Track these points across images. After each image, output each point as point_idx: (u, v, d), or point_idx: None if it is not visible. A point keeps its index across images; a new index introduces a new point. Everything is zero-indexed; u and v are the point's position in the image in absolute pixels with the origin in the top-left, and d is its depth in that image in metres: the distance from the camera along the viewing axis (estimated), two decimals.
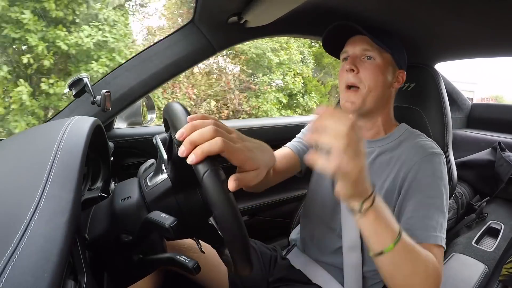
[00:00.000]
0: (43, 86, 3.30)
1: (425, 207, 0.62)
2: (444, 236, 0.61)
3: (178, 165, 0.49)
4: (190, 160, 0.36)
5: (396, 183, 0.67)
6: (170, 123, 0.45)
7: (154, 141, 0.56)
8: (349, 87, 0.70)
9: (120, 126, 1.07)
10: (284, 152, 0.82)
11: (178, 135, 0.38)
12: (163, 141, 0.55)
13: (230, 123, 1.30)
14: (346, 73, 0.69)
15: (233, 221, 0.37)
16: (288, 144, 0.87)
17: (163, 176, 0.52)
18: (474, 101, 2.03)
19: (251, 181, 0.42)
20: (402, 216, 0.65)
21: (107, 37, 3.56)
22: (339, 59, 0.77)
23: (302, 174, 0.88)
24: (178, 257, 0.48)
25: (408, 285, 0.52)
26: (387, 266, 0.51)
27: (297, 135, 0.90)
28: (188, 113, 0.44)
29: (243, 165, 0.41)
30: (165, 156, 0.52)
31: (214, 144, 0.37)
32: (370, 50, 0.68)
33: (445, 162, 0.68)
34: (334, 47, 0.76)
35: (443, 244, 0.60)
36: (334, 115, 0.43)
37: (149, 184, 0.53)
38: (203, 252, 0.48)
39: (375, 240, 0.50)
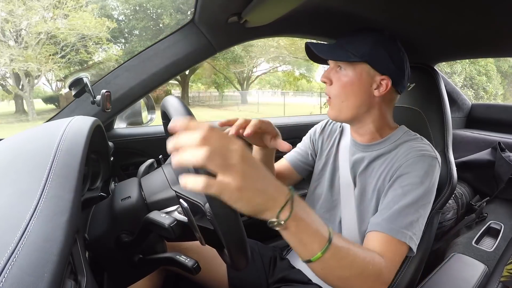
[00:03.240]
0: None
1: (400, 203, 0.61)
2: (415, 237, 0.60)
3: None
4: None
5: (386, 181, 0.67)
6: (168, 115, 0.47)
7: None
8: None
9: (120, 126, 1.07)
10: (281, 165, 0.87)
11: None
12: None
13: None
14: None
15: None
16: (287, 155, 0.91)
17: None
18: None
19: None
20: (380, 205, 0.65)
21: None
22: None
23: (305, 177, 0.90)
24: (178, 257, 0.48)
25: (343, 287, 0.50)
26: (317, 271, 0.48)
27: (298, 144, 0.93)
28: (185, 106, 0.46)
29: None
30: None
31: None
32: (341, 62, 0.69)
33: (439, 165, 0.67)
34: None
35: (410, 243, 0.59)
36: (188, 126, 0.36)
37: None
38: (204, 244, 0.47)
39: (301, 250, 0.45)
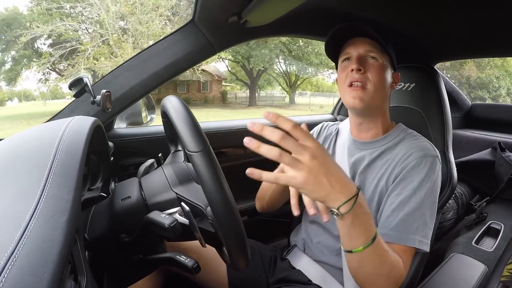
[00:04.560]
0: None
1: (405, 210, 0.63)
2: (425, 238, 0.63)
3: None
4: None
5: (389, 182, 0.68)
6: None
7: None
8: (351, 84, 0.69)
9: (120, 126, 1.07)
10: None
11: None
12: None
13: (230, 123, 1.30)
14: (351, 72, 0.69)
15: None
16: None
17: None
18: None
19: None
20: (384, 212, 0.66)
21: None
22: (334, 61, 0.78)
23: None
24: (178, 257, 0.48)
25: (368, 282, 0.56)
26: (353, 262, 0.55)
27: None
28: (185, 106, 0.46)
29: None
30: None
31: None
32: (374, 51, 0.69)
33: (439, 164, 0.68)
34: (332, 50, 0.76)
35: (419, 246, 0.61)
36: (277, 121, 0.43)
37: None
38: (204, 246, 0.48)
39: (347, 240, 0.52)
